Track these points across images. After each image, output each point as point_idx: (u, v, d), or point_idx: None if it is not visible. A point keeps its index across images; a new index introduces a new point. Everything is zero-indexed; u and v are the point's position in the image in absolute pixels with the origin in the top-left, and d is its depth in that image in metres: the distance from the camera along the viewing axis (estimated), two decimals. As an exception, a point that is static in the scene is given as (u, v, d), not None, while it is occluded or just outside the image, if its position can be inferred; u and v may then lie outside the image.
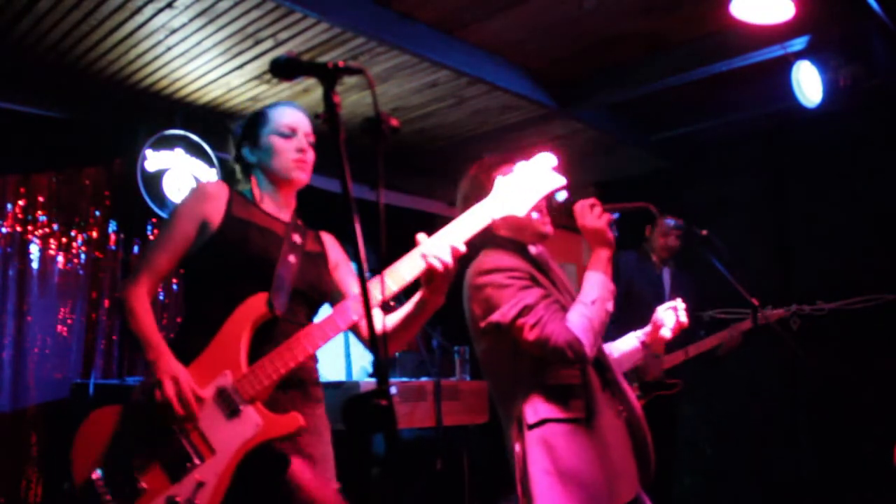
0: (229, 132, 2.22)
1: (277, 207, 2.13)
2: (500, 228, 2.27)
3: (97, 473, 1.79)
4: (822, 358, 4.47)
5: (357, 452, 3.92)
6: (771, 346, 4.45)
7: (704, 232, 3.32)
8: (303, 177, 2.12)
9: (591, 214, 2.19)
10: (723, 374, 5.01)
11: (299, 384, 1.99)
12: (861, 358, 4.52)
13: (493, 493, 4.41)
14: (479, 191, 2.14)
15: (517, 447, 2.12)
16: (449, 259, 1.84)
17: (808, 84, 4.06)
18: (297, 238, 2.08)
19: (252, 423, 1.81)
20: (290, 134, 2.10)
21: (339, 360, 4.25)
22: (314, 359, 2.09)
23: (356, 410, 3.63)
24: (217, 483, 1.76)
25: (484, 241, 2.22)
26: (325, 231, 2.29)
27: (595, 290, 2.13)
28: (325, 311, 2.08)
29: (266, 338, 1.91)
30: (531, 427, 2.09)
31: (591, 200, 2.22)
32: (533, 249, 2.32)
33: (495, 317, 2.10)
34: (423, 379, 4.01)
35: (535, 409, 2.10)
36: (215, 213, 2.01)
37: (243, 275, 1.96)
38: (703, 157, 5.48)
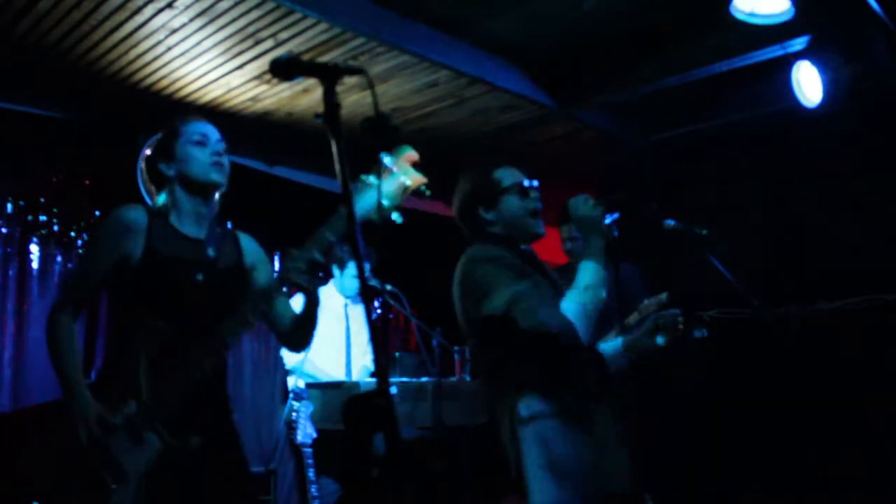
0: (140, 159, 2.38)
1: (196, 221, 2.24)
2: (494, 225, 2.31)
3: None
4: (821, 358, 4.47)
5: (357, 452, 3.93)
6: (769, 346, 4.45)
7: (705, 232, 3.31)
8: (221, 179, 2.23)
9: (585, 205, 2.25)
10: (723, 374, 5.01)
11: (199, 400, 2.08)
12: (861, 358, 4.52)
13: (493, 493, 4.41)
14: (490, 191, 2.34)
15: (511, 443, 2.14)
16: (306, 270, 2.08)
17: (808, 84, 4.06)
18: (210, 252, 2.22)
19: (153, 447, 1.99)
20: (203, 141, 2.23)
21: (341, 358, 4.25)
22: (217, 375, 2.18)
23: (356, 410, 3.63)
24: (134, 500, 1.96)
25: (475, 236, 2.29)
26: (244, 234, 2.41)
27: (588, 276, 2.16)
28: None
29: (170, 361, 2.03)
30: (525, 422, 2.11)
31: (585, 195, 2.28)
32: (523, 247, 2.36)
33: (488, 306, 2.12)
34: (423, 379, 4.01)
35: (529, 404, 2.12)
36: (135, 246, 2.11)
37: (153, 304, 2.10)
38: (703, 157, 5.47)
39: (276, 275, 2.34)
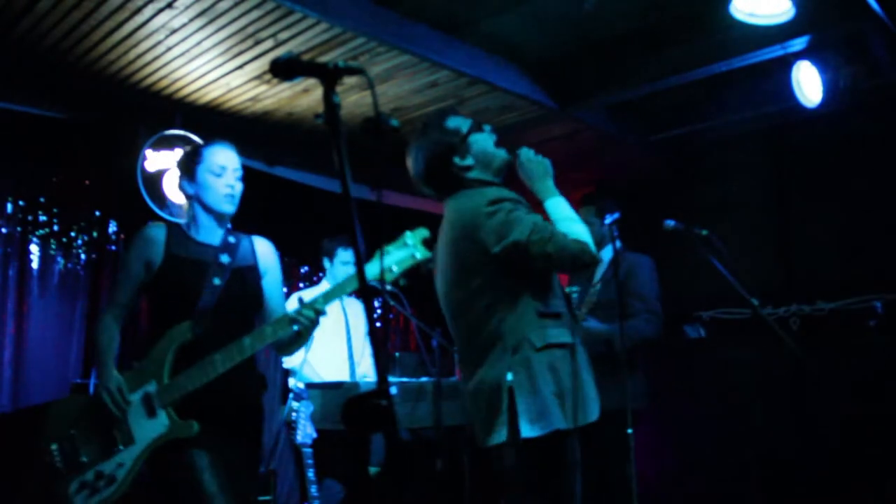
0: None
1: (210, 232, 2.55)
2: (472, 170, 2.48)
3: (53, 446, 2.38)
4: (821, 358, 4.47)
5: (357, 452, 3.92)
6: (770, 347, 4.45)
7: (705, 232, 3.32)
8: (231, 210, 2.53)
9: (528, 152, 2.52)
10: (723, 374, 5.01)
11: (211, 394, 2.36)
12: (861, 358, 4.52)
13: (493, 493, 4.41)
14: (456, 139, 2.49)
15: (513, 375, 2.26)
16: (314, 319, 2.35)
17: (808, 84, 4.06)
18: (225, 258, 2.51)
19: (162, 423, 2.36)
20: (220, 172, 2.51)
21: (342, 359, 4.25)
22: (244, 374, 2.46)
23: (356, 410, 3.63)
24: (132, 465, 2.35)
25: (455, 187, 2.46)
26: (261, 239, 2.68)
27: (563, 209, 2.40)
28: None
29: (189, 356, 2.37)
30: (538, 351, 2.26)
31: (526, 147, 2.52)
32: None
33: (514, 236, 2.26)
34: (423, 379, 4.01)
35: (541, 334, 2.28)
36: (156, 254, 2.47)
37: (177, 302, 2.43)
38: (703, 157, 5.48)
39: (281, 289, 2.69)
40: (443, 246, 2.49)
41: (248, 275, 2.56)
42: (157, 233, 2.53)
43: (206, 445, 2.36)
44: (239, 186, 2.55)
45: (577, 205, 4.14)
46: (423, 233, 2.35)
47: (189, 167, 2.54)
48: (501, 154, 2.53)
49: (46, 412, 2.46)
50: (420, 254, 2.31)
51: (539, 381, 2.25)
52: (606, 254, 3.69)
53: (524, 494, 2.27)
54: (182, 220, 2.61)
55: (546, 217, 2.38)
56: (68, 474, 2.36)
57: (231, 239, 2.58)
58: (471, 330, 2.39)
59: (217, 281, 2.46)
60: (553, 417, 2.23)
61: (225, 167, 2.52)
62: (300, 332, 2.39)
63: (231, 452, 2.42)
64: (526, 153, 2.53)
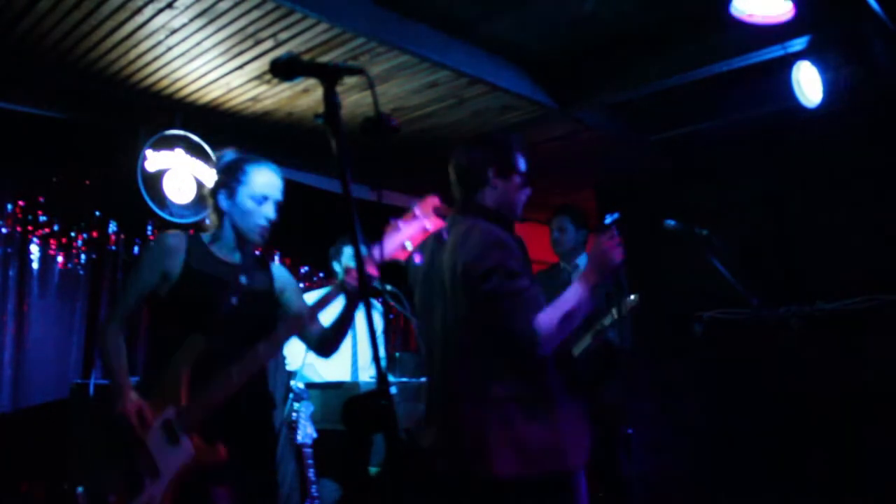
0: (220, 156, 2.53)
1: (232, 250, 2.45)
2: (493, 193, 2.46)
3: (79, 490, 2.23)
4: (821, 358, 4.47)
5: (357, 452, 3.92)
6: (770, 346, 4.45)
7: (705, 232, 3.32)
8: (262, 242, 2.44)
9: (614, 245, 2.29)
10: (723, 374, 5.01)
11: (232, 413, 2.26)
12: (861, 358, 4.52)
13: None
14: (508, 163, 2.48)
15: (474, 416, 2.23)
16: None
17: (808, 84, 4.06)
18: (243, 279, 2.41)
19: (186, 451, 2.19)
20: (262, 201, 2.40)
21: (345, 361, 4.25)
22: (257, 391, 2.40)
23: (356, 410, 3.63)
24: (161, 499, 2.17)
25: (467, 200, 2.47)
26: (278, 265, 2.66)
27: (574, 299, 2.24)
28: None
29: (206, 373, 2.24)
30: (495, 401, 2.21)
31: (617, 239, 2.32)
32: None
33: (484, 285, 2.21)
34: (424, 379, 4.01)
35: (501, 383, 2.22)
36: (175, 265, 2.34)
37: (193, 319, 2.30)
38: (703, 157, 5.47)
39: (303, 297, 2.62)
40: (448, 255, 2.43)
41: (263, 298, 2.48)
42: (178, 243, 2.39)
43: (229, 479, 2.25)
44: (275, 217, 2.44)
45: (552, 214, 4.25)
46: (433, 201, 2.29)
47: (229, 183, 2.41)
48: (518, 213, 2.52)
49: (65, 447, 2.38)
50: (429, 223, 2.26)
51: (498, 428, 2.20)
52: (581, 261, 4.07)
53: None
54: (205, 234, 2.49)
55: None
56: None
57: (251, 260, 2.49)
58: (456, 351, 2.39)
59: (234, 300, 2.37)
60: (501, 464, 2.17)
61: (268, 197, 2.41)
62: (341, 320, 2.36)
63: (252, 483, 2.32)
64: (603, 241, 2.31)
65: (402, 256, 2.22)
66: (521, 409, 2.21)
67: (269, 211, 2.41)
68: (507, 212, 2.49)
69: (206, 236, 2.46)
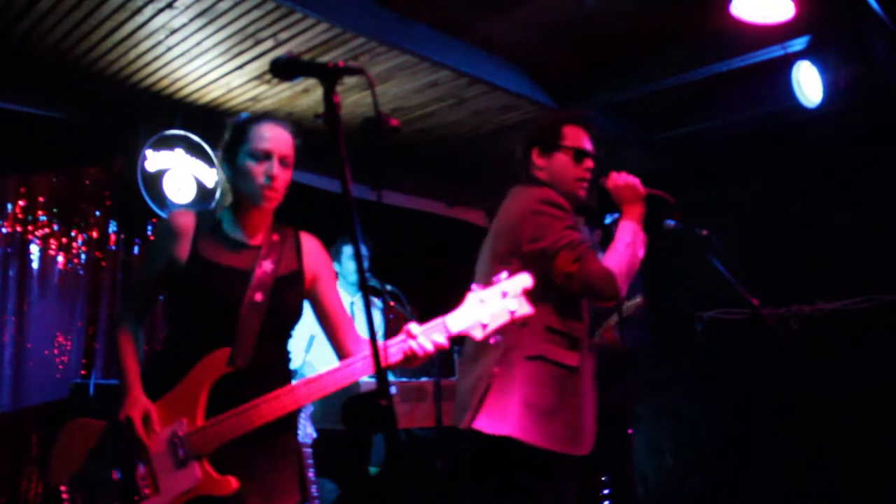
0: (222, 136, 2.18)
1: (250, 231, 2.08)
2: (541, 172, 2.43)
3: (64, 486, 1.95)
4: (821, 358, 4.47)
5: (357, 452, 3.92)
6: (770, 347, 4.45)
7: (705, 232, 3.31)
8: (269, 205, 2.05)
9: (622, 175, 2.44)
10: (724, 374, 5.01)
11: (252, 440, 1.95)
12: (861, 358, 4.52)
13: (494, 483, 4.41)
14: (549, 139, 2.42)
15: (497, 370, 2.22)
16: (431, 351, 1.92)
17: (808, 84, 4.06)
18: (267, 265, 2.04)
19: (192, 477, 1.90)
20: (262, 157, 2.01)
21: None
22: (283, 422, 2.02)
23: (356, 410, 3.63)
24: None
25: (529, 177, 2.43)
26: (308, 236, 2.21)
27: (628, 235, 2.33)
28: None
29: (228, 391, 1.94)
30: (527, 358, 2.22)
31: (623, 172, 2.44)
32: None
33: (543, 243, 2.24)
34: (423, 379, 4.01)
35: (537, 344, 2.23)
36: (181, 249, 2.02)
37: (207, 317, 1.99)
38: (703, 157, 5.47)
39: (337, 287, 2.21)
40: (490, 230, 2.47)
41: (291, 285, 2.08)
42: (185, 223, 2.05)
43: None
44: (283, 177, 2.04)
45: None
46: (525, 281, 1.94)
47: (232, 146, 2.06)
48: (576, 192, 2.44)
49: (55, 440, 2.00)
50: (517, 307, 1.91)
51: (514, 385, 2.21)
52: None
53: (470, 484, 2.29)
54: (221, 212, 2.13)
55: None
56: None
57: (274, 237, 2.10)
58: None
59: (259, 296, 2.00)
60: (511, 424, 2.18)
61: (270, 153, 2.01)
62: (408, 362, 1.94)
63: None
64: (616, 178, 2.45)
65: (476, 336, 1.91)
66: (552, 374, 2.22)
67: (271, 168, 2.00)
68: (564, 194, 2.40)
69: (221, 214, 2.11)
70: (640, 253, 2.34)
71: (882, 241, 4.57)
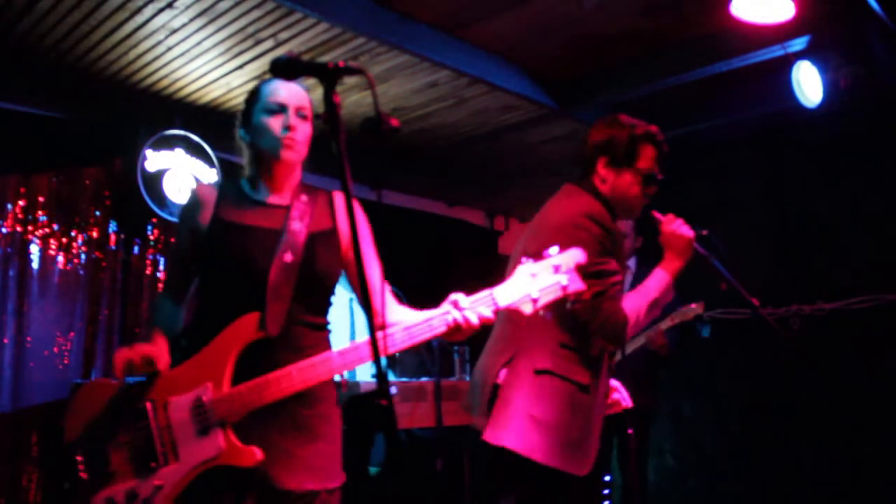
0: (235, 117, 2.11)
1: (277, 190, 2.00)
2: (604, 184, 2.34)
3: (78, 447, 1.86)
4: (821, 358, 4.47)
5: (357, 452, 3.92)
6: (771, 347, 4.45)
7: (704, 232, 3.31)
8: (292, 155, 1.95)
9: (680, 223, 2.35)
10: (724, 374, 5.01)
11: (280, 409, 1.84)
12: (861, 358, 4.52)
13: (493, 493, 4.41)
14: (623, 155, 2.31)
15: (507, 379, 2.19)
16: (475, 324, 1.83)
17: (808, 84, 4.06)
18: (297, 224, 1.93)
19: (215, 445, 1.78)
20: (277, 110, 1.94)
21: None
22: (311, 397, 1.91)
23: (356, 410, 3.64)
24: (172, 490, 1.79)
25: (588, 183, 2.34)
26: (340, 193, 2.06)
27: (656, 291, 2.27)
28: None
29: (257, 357, 1.83)
30: (536, 373, 2.18)
31: (680, 219, 2.37)
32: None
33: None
34: (423, 379, 4.01)
35: (547, 358, 2.19)
36: (203, 217, 1.95)
37: (233, 280, 1.89)
38: (703, 157, 5.47)
39: (374, 257, 2.07)
40: (530, 224, 2.41)
41: (325, 243, 1.96)
42: (207, 192, 1.99)
43: (257, 490, 1.82)
44: (303, 129, 1.95)
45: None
46: (577, 256, 1.87)
47: (247, 109, 2.01)
48: (633, 214, 2.40)
49: (72, 399, 1.91)
50: (569, 282, 1.83)
51: (518, 396, 2.17)
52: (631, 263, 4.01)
53: (475, 484, 2.27)
54: (242, 179, 2.05)
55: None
56: (92, 487, 1.83)
57: (303, 197, 2.01)
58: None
59: (289, 256, 1.89)
60: (509, 435, 2.14)
61: (285, 106, 1.93)
62: (452, 335, 1.85)
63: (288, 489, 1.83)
64: (673, 223, 2.36)
65: (525, 311, 1.82)
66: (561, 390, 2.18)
67: (289, 120, 1.92)
68: (620, 209, 2.35)
69: (243, 181, 2.04)
70: (662, 305, 2.29)
71: (882, 240, 4.57)
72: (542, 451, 2.13)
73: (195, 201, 1.99)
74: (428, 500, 4.18)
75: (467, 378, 4.32)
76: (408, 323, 1.86)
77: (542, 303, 1.82)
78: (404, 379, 4.03)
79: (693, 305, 3.72)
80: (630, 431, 2.93)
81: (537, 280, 1.83)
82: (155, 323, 1.97)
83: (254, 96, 2.01)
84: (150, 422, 1.82)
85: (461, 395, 4.08)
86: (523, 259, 1.85)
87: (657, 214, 2.38)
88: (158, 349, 1.86)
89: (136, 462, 1.81)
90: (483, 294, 1.85)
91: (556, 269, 1.84)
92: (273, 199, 1.99)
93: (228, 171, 4.50)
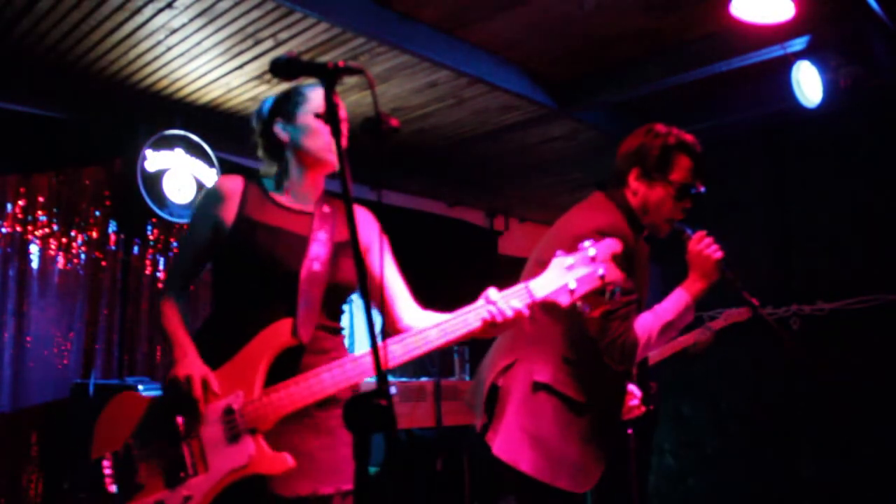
0: (254, 113, 2.06)
1: (304, 194, 1.98)
2: (635, 197, 2.23)
3: (106, 460, 1.82)
4: (822, 358, 4.47)
5: (357, 452, 3.92)
6: (771, 347, 4.45)
7: (704, 232, 3.31)
8: (336, 164, 1.91)
9: (709, 244, 2.21)
10: (724, 374, 5.01)
11: (301, 412, 1.82)
12: (861, 358, 4.52)
13: (493, 493, 4.42)
14: (657, 166, 2.19)
15: (507, 387, 2.14)
16: (510, 317, 1.80)
17: (808, 84, 4.06)
18: (322, 234, 1.92)
19: (245, 452, 1.76)
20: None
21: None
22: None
23: (356, 410, 3.63)
24: (201, 500, 1.75)
25: (618, 194, 2.22)
26: (358, 205, 1.98)
27: (672, 314, 2.14)
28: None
29: (290, 366, 1.81)
30: (534, 386, 2.11)
31: (709, 239, 2.22)
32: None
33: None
34: (423, 379, 4.01)
35: (549, 371, 2.11)
36: (229, 213, 1.90)
37: (262, 283, 1.86)
38: (703, 157, 5.47)
39: (391, 262, 2.08)
40: (552, 228, 2.33)
41: (349, 254, 1.94)
42: (233, 186, 1.94)
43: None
44: (343, 143, 1.82)
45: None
46: (614, 246, 1.86)
47: (287, 106, 1.97)
48: (662, 232, 2.27)
49: (101, 413, 1.88)
50: (605, 271, 1.81)
51: (512, 404, 2.12)
52: None
53: (476, 483, 2.23)
54: (266, 179, 2.00)
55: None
56: (121, 499, 1.80)
57: (325, 207, 1.99)
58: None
59: (317, 265, 1.87)
60: (501, 445, 2.10)
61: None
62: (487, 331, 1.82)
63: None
64: (703, 244, 2.21)
65: (562, 303, 1.79)
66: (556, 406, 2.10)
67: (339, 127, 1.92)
68: (650, 223, 2.24)
69: (267, 181, 1.99)
70: (679, 327, 2.18)
71: (882, 240, 4.57)
72: (532, 465, 2.07)
73: (218, 194, 1.93)
74: (428, 500, 4.18)
75: (467, 378, 4.32)
76: (440, 320, 1.84)
77: (579, 293, 1.79)
78: (404, 379, 4.03)
79: (743, 309, 3.71)
80: (630, 431, 2.93)
81: (574, 271, 1.81)
82: (180, 330, 1.89)
83: (298, 97, 1.97)
84: (180, 431, 1.79)
85: (461, 395, 4.08)
86: (558, 252, 1.82)
87: (687, 231, 2.25)
88: (209, 372, 1.81)
89: (165, 473, 1.78)
90: (518, 287, 1.82)
91: (593, 259, 1.82)
92: (298, 205, 1.97)
93: (228, 171, 4.50)
